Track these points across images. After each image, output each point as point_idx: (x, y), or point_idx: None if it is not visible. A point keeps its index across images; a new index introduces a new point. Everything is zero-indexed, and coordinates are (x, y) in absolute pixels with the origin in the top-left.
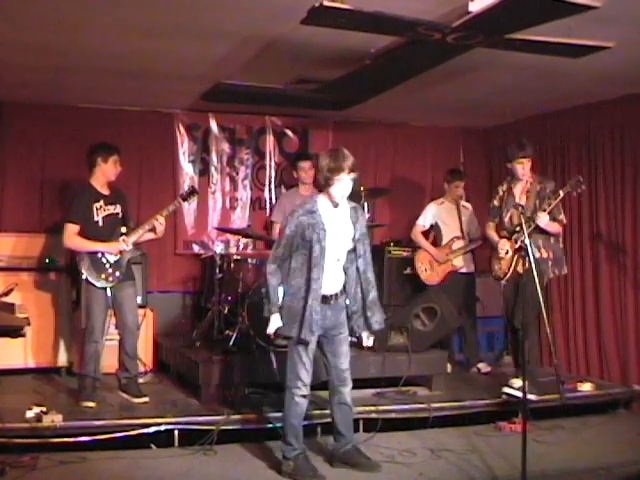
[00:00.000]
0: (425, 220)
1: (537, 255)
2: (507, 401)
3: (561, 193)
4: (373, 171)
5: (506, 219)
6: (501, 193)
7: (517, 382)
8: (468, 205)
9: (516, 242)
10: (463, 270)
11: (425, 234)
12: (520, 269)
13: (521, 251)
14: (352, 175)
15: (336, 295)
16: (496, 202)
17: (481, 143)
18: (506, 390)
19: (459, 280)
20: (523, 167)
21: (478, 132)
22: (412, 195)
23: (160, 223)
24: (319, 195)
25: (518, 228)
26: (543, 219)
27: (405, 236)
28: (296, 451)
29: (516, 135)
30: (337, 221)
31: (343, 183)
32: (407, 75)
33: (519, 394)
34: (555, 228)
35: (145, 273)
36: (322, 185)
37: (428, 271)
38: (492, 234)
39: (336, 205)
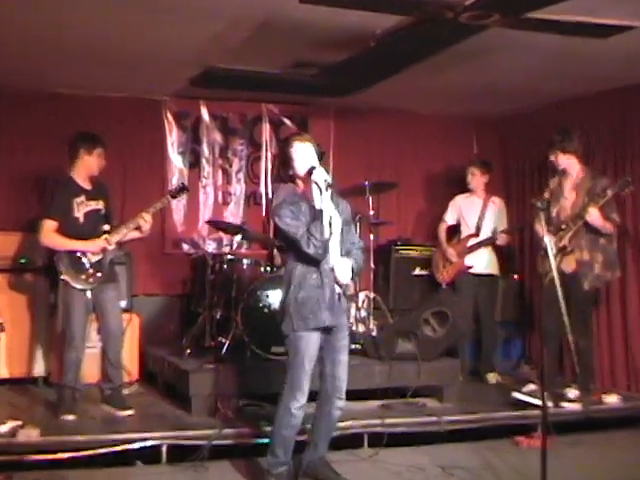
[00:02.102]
0: (448, 215)
1: (577, 257)
2: (525, 415)
3: (609, 193)
4: (378, 164)
5: (553, 214)
6: (552, 186)
7: (530, 386)
8: (498, 201)
9: (561, 240)
10: (479, 271)
11: (454, 232)
12: (567, 269)
13: (565, 250)
14: (308, 143)
15: (339, 295)
16: (546, 195)
17: (496, 133)
18: (515, 395)
19: (473, 281)
20: (558, 160)
21: (493, 121)
22: (421, 190)
23: (146, 221)
24: (293, 187)
25: (564, 226)
26: (593, 214)
27: (415, 234)
28: (282, 467)
29: (534, 125)
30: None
31: (301, 151)
32: (415, 58)
33: (529, 399)
34: (606, 227)
35: (130, 275)
36: (290, 174)
37: (439, 270)
38: (539, 229)
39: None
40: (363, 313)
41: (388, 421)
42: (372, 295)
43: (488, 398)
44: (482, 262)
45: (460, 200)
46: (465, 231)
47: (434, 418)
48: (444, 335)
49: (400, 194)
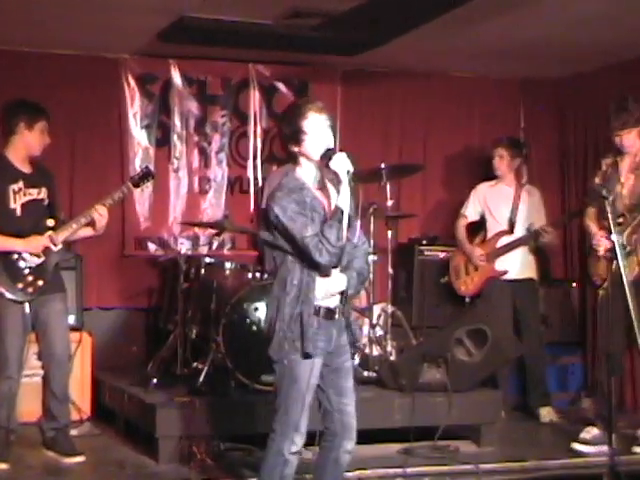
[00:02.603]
0: (469, 209)
1: None
2: (588, 463)
3: None
4: (398, 141)
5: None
6: (604, 168)
7: (592, 431)
8: (534, 190)
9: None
10: (514, 276)
11: (475, 229)
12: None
13: (625, 249)
14: (325, 116)
15: (340, 308)
16: (598, 180)
17: (550, 100)
18: (576, 446)
19: (509, 290)
20: (621, 139)
21: (545, 85)
22: (452, 175)
23: (101, 215)
24: (295, 169)
25: (622, 219)
26: None
27: (444, 231)
28: None
29: (599, 90)
30: (334, 191)
31: (318, 127)
32: (445, 5)
33: (594, 450)
34: None
35: (80, 283)
36: (294, 152)
37: (461, 277)
38: (589, 224)
39: (319, 172)
40: (379, 332)
41: (411, 470)
42: (390, 309)
43: (539, 441)
44: (517, 265)
45: (485, 189)
46: (493, 228)
47: (470, 466)
48: (482, 360)
49: (426, 180)
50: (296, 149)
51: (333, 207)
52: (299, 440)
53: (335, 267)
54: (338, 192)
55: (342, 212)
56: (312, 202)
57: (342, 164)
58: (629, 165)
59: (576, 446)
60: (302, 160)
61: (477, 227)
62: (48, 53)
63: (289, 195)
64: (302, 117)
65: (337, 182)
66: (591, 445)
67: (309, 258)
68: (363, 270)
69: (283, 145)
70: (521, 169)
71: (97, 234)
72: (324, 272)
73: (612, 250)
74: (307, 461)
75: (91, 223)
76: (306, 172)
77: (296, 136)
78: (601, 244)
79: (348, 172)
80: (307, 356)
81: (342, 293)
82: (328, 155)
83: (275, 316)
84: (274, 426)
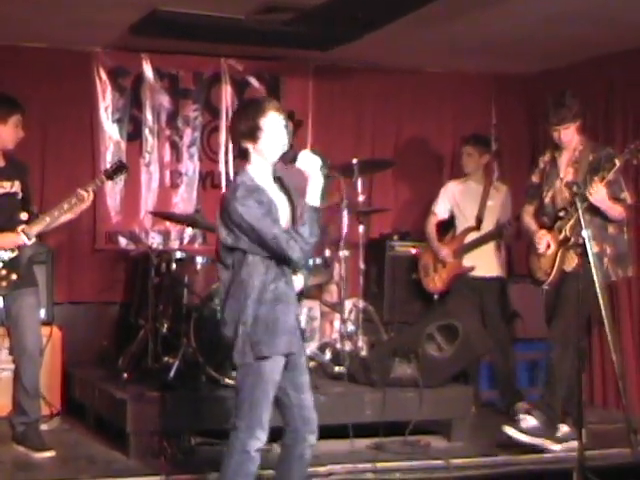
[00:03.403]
0: (439, 206)
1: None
2: (558, 458)
3: (617, 162)
4: (370, 136)
5: (547, 200)
6: (542, 165)
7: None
8: (501, 187)
9: (560, 231)
10: (482, 273)
11: (447, 226)
12: (568, 268)
13: (567, 243)
14: (283, 117)
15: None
16: (535, 178)
17: (521, 97)
18: (507, 430)
19: (476, 287)
20: (559, 134)
21: (516, 81)
22: (424, 170)
23: (85, 196)
24: (246, 167)
25: (563, 213)
26: (599, 193)
27: (415, 226)
28: None
29: (569, 85)
30: (281, 196)
31: (275, 126)
32: (420, 1)
33: (524, 438)
34: (615, 211)
35: (50, 277)
36: (246, 148)
37: (430, 274)
38: (528, 221)
39: (273, 171)
40: (350, 327)
41: (381, 465)
42: (361, 304)
43: (509, 436)
44: (484, 262)
45: (453, 187)
46: (462, 225)
47: (440, 462)
48: (453, 355)
49: (398, 175)
50: (250, 146)
51: (288, 207)
52: (263, 436)
53: (303, 264)
54: (287, 194)
55: (315, 209)
56: (268, 202)
57: (309, 161)
58: (568, 159)
59: (506, 429)
60: (254, 157)
61: (449, 224)
62: (19, 46)
63: (250, 195)
64: (261, 114)
65: (300, 181)
66: (527, 435)
67: (280, 256)
68: (309, 266)
69: (233, 140)
70: (491, 165)
71: (73, 218)
72: (295, 269)
73: (583, 246)
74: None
75: (71, 208)
76: (258, 170)
77: (252, 133)
78: (543, 240)
79: (321, 167)
80: (271, 357)
81: (300, 293)
82: (291, 155)
83: (237, 319)
84: (237, 424)
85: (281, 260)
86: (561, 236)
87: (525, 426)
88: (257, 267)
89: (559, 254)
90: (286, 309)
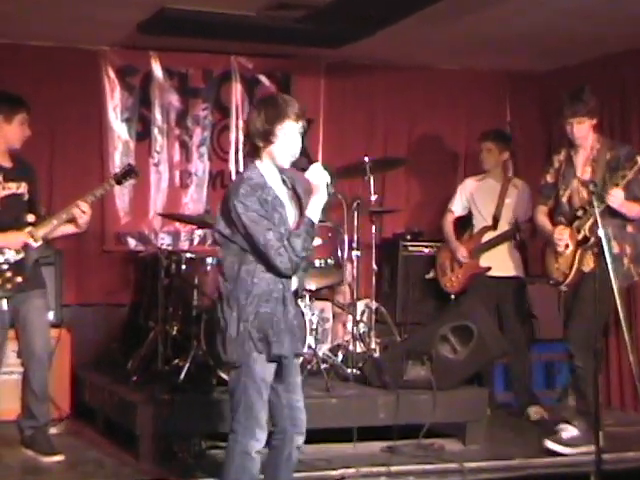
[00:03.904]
0: (456, 204)
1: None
2: (574, 461)
3: (639, 160)
4: (382, 134)
5: (564, 199)
6: (557, 165)
7: (568, 430)
8: (522, 185)
9: (579, 231)
10: (500, 273)
11: (465, 224)
12: (587, 268)
13: (586, 243)
14: (301, 124)
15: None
16: (549, 177)
17: (535, 94)
18: (549, 444)
19: (492, 287)
20: (572, 128)
21: (531, 78)
22: (438, 169)
23: (83, 212)
24: (255, 162)
25: (581, 212)
26: (617, 197)
27: (428, 226)
28: None
29: (586, 83)
30: (288, 195)
31: (290, 135)
32: None
33: (566, 450)
34: (635, 211)
35: (59, 279)
36: (258, 146)
37: (447, 274)
38: (543, 221)
39: (282, 172)
40: (362, 328)
41: (395, 469)
42: (374, 305)
43: (525, 439)
44: (501, 262)
45: (471, 184)
46: (479, 223)
47: (455, 465)
48: (468, 357)
49: (411, 174)
50: (261, 145)
51: (295, 208)
52: (262, 436)
53: (288, 277)
54: (294, 201)
55: (312, 224)
56: (274, 201)
57: (319, 175)
58: (585, 158)
59: (548, 444)
60: (265, 156)
61: (467, 222)
62: (26, 45)
63: (253, 193)
64: (278, 121)
65: (305, 193)
66: (565, 445)
67: (268, 262)
68: (306, 267)
69: (248, 134)
70: (508, 163)
71: (80, 231)
72: (280, 277)
73: (599, 245)
74: None
75: (73, 220)
76: (267, 168)
77: (266, 135)
78: (562, 238)
79: (328, 185)
80: (274, 357)
81: (295, 293)
82: (303, 164)
83: (237, 316)
84: (234, 427)
85: (266, 265)
86: (579, 236)
87: (566, 437)
88: (257, 265)
89: (577, 254)
90: (285, 309)
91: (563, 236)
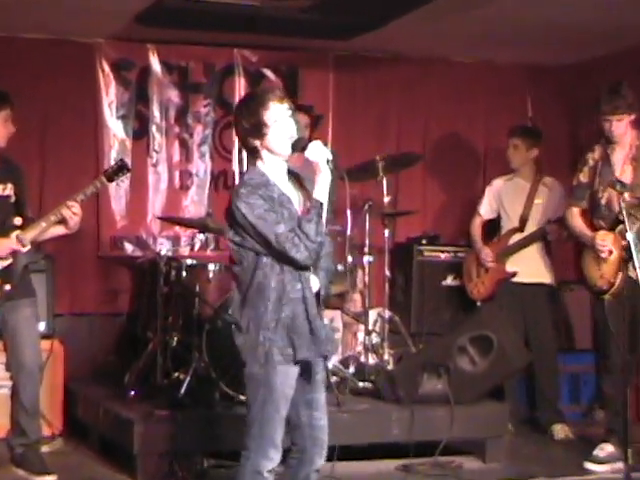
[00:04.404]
0: (483, 206)
1: None
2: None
3: None
4: (395, 132)
5: (603, 201)
6: (592, 163)
7: (606, 447)
8: (554, 184)
9: (623, 237)
10: (526, 279)
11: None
12: (633, 274)
13: (638, 246)
14: (286, 105)
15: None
16: (583, 177)
17: (559, 88)
18: (589, 466)
19: (517, 294)
20: (611, 126)
21: (555, 71)
22: (455, 168)
23: (73, 213)
24: (256, 164)
25: (623, 216)
26: None
27: (446, 229)
28: None
29: (611, 76)
30: (295, 193)
31: (281, 118)
32: None
33: (609, 469)
34: None
35: (51, 286)
36: (255, 146)
37: (473, 280)
38: (577, 223)
39: (285, 166)
40: (375, 339)
41: None
42: (387, 314)
43: (549, 457)
44: (529, 266)
45: (499, 185)
46: (507, 225)
47: None
48: (487, 369)
49: (426, 173)
50: (257, 143)
51: (302, 204)
52: (276, 456)
53: (311, 265)
54: (300, 189)
55: (321, 204)
56: (280, 197)
57: (319, 152)
58: (624, 156)
59: (589, 465)
60: (264, 154)
61: (497, 225)
62: (15, 37)
63: (254, 192)
64: (263, 108)
65: (310, 174)
66: (605, 464)
67: (285, 256)
68: (330, 268)
69: (241, 139)
70: (537, 161)
71: (70, 232)
72: (301, 270)
73: (627, 250)
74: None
75: (63, 221)
76: (270, 167)
77: (258, 129)
78: (605, 244)
79: (328, 161)
80: (300, 361)
81: (316, 296)
82: (302, 144)
83: (258, 325)
84: (248, 443)
85: (285, 261)
86: (624, 241)
87: (603, 455)
88: (273, 268)
89: (624, 261)
90: (305, 312)
91: (606, 242)
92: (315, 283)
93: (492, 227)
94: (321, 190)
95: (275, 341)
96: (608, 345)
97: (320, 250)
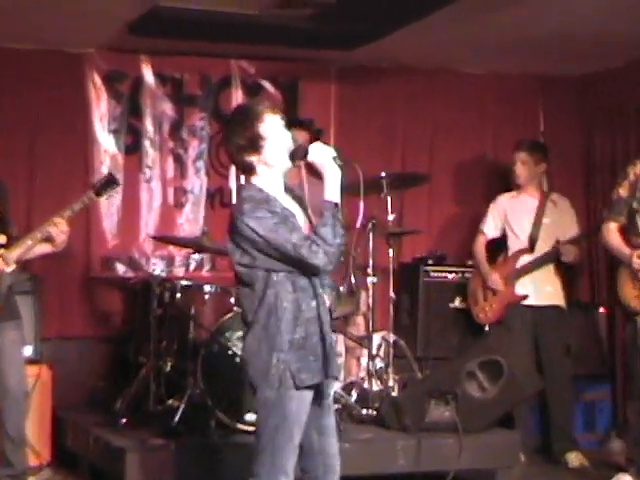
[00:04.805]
0: (488, 224)
1: None
2: None
3: None
4: (400, 147)
5: None
6: (632, 177)
7: (624, 478)
8: (562, 201)
9: None
10: (537, 302)
11: (499, 247)
12: None
13: None
14: (279, 116)
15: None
16: (622, 191)
17: (573, 100)
18: None
19: (529, 317)
20: None
21: (568, 83)
22: (464, 185)
23: (60, 231)
24: (251, 181)
25: None
26: None
27: (454, 249)
28: None
29: (627, 87)
30: (295, 206)
31: (276, 130)
32: None
33: None
34: None
35: (38, 308)
36: (249, 162)
37: (479, 303)
38: (614, 240)
39: (282, 180)
40: (379, 364)
41: None
42: (392, 337)
43: None
44: (540, 289)
45: (504, 202)
46: (514, 245)
47: None
48: (497, 396)
49: (433, 191)
50: (254, 158)
51: (306, 223)
52: None
53: (333, 270)
54: (302, 208)
55: (335, 205)
56: (283, 211)
57: (322, 153)
58: None
59: None
60: (260, 169)
61: (502, 244)
62: (2, 48)
63: (259, 206)
64: (258, 121)
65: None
66: None
67: (305, 265)
68: (332, 285)
69: (232, 157)
70: (544, 177)
71: (57, 250)
72: (323, 276)
73: None
74: None
75: (49, 239)
76: (267, 182)
77: (253, 144)
78: None
79: (335, 158)
80: (313, 385)
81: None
82: (301, 152)
83: (271, 347)
84: (257, 470)
85: (306, 270)
86: None
87: None
88: (284, 286)
89: None
90: (320, 332)
91: None
92: (327, 299)
93: (496, 245)
94: (333, 190)
95: (289, 363)
96: (636, 369)
97: (340, 253)
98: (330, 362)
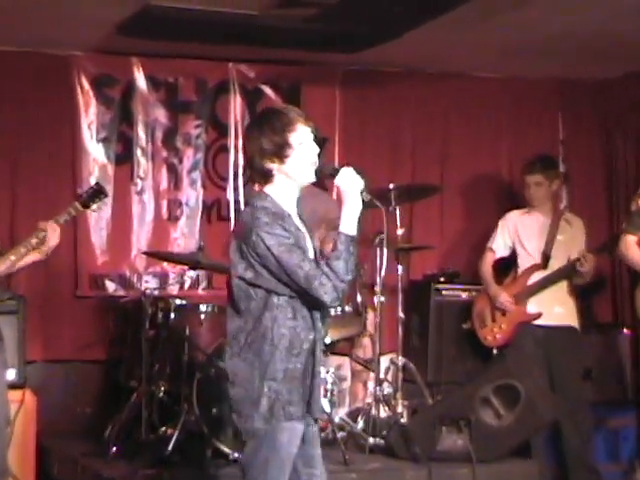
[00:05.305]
0: (497, 241)
1: None
2: None
3: None
4: (409, 156)
5: None
6: None
7: None
8: (575, 220)
9: None
10: (549, 322)
11: (506, 266)
12: None
13: None
14: (311, 128)
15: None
16: None
17: (595, 107)
18: None
19: (541, 338)
20: None
21: (589, 88)
22: (478, 197)
23: (47, 237)
24: (264, 189)
25: None
26: None
27: (466, 266)
28: None
29: None
30: (305, 229)
31: (307, 142)
32: None
33: None
34: None
35: (22, 330)
36: (268, 170)
37: (487, 325)
38: (633, 253)
39: (297, 195)
40: (387, 389)
41: None
42: (401, 361)
43: None
44: (553, 308)
45: (515, 218)
46: (525, 263)
47: None
48: (514, 423)
49: (444, 203)
50: (274, 166)
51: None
52: None
53: (337, 306)
54: (306, 227)
55: (352, 239)
56: (296, 232)
57: (351, 181)
58: None
59: None
60: (278, 179)
61: (511, 263)
62: None
63: (276, 221)
64: (289, 128)
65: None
66: None
67: (310, 297)
68: (327, 314)
69: (251, 160)
70: (560, 192)
71: (42, 258)
72: (327, 312)
73: None
74: None
75: (37, 246)
76: (282, 194)
77: (280, 151)
78: None
79: (362, 192)
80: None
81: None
82: (331, 170)
83: (262, 375)
84: None
85: (309, 301)
86: None
87: None
88: (283, 311)
89: None
90: (312, 366)
91: None
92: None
93: (501, 266)
94: (350, 222)
95: (282, 394)
96: None
97: (348, 289)
98: (314, 401)
